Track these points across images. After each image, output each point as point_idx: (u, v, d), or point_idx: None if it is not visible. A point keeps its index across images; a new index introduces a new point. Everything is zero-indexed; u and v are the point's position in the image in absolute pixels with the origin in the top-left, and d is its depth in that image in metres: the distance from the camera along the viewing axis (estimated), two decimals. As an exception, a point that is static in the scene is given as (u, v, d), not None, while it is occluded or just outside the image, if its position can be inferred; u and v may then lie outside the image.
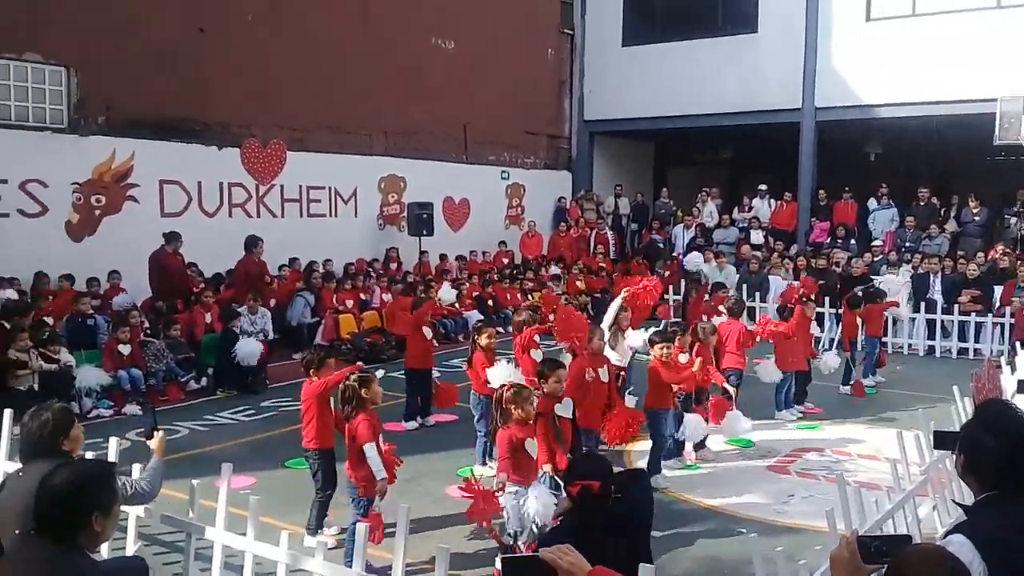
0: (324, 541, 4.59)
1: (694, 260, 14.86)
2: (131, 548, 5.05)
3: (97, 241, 12.48)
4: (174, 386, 10.46)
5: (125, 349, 9.97)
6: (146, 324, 10.93)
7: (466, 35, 18.17)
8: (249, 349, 10.82)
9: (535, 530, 5.44)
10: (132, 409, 9.69)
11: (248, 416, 9.63)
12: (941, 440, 3.64)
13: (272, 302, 12.81)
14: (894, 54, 17.05)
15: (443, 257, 16.97)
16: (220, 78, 13.79)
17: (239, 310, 11.57)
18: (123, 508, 3.86)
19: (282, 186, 14.99)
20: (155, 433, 4.55)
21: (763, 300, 14.53)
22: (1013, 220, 16.79)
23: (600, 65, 21.04)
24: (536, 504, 5.06)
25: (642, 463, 7.63)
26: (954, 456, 2.92)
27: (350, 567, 4.31)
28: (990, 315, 12.99)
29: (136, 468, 4.67)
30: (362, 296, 14.18)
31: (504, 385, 5.78)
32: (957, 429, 5.75)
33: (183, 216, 13.45)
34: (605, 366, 7.21)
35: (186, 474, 5.94)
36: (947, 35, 16.48)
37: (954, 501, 3.22)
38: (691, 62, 19.43)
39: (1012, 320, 12.36)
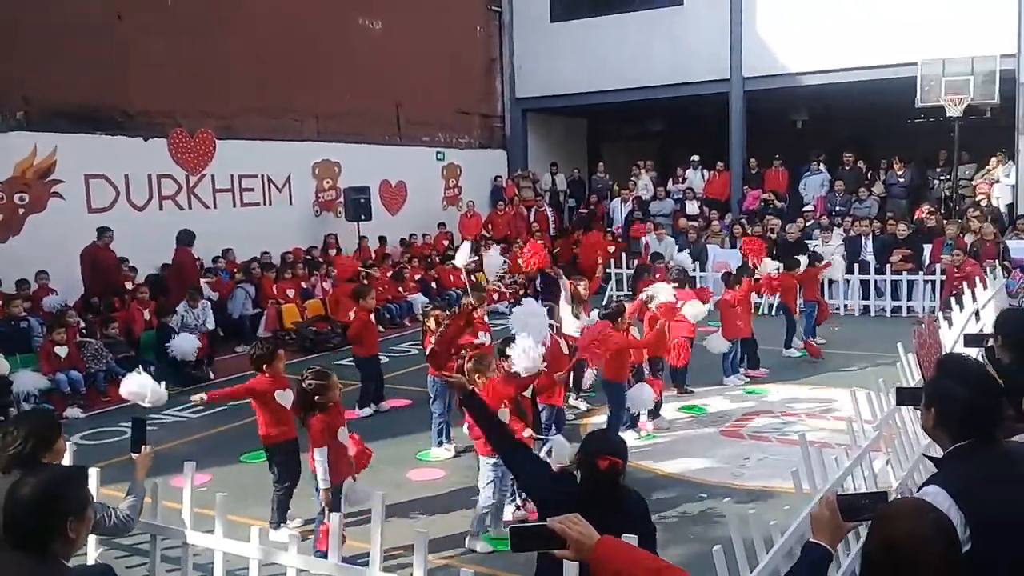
0: (294, 535, 4.52)
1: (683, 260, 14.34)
2: (92, 555, 4.91)
3: (23, 241, 11.99)
4: (115, 386, 10.14)
5: (62, 351, 9.66)
6: (82, 324, 10.59)
7: (393, 15, 17.91)
8: (184, 345, 10.60)
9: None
10: (74, 412, 9.42)
11: (196, 413, 9.42)
12: (903, 396, 3.75)
13: (215, 295, 12.57)
14: (817, 22, 17.38)
15: (382, 240, 16.77)
16: (142, 67, 13.32)
17: (177, 307, 11.34)
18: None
19: (213, 176, 14.61)
20: (142, 448, 4.28)
21: (703, 269, 14.75)
22: (937, 181, 17.35)
23: (529, 41, 20.99)
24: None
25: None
26: (918, 411, 3.01)
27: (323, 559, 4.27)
28: (921, 273, 13.42)
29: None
30: (303, 285, 13.97)
31: (464, 356, 5.80)
32: (906, 385, 5.97)
33: (111, 211, 13.03)
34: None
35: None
36: (868, 1, 16.86)
37: (924, 454, 3.32)
38: (620, 36, 19.51)
39: (943, 278, 12.80)
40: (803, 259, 11.31)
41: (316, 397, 5.32)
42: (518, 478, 4.05)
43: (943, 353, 6.72)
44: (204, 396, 6.26)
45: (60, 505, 2.78)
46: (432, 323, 7.96)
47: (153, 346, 10.94)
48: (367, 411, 9.02)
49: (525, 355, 5.52)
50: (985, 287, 9.12)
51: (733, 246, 15.30)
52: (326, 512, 5.08)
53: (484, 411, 3.90)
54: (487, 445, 5.49)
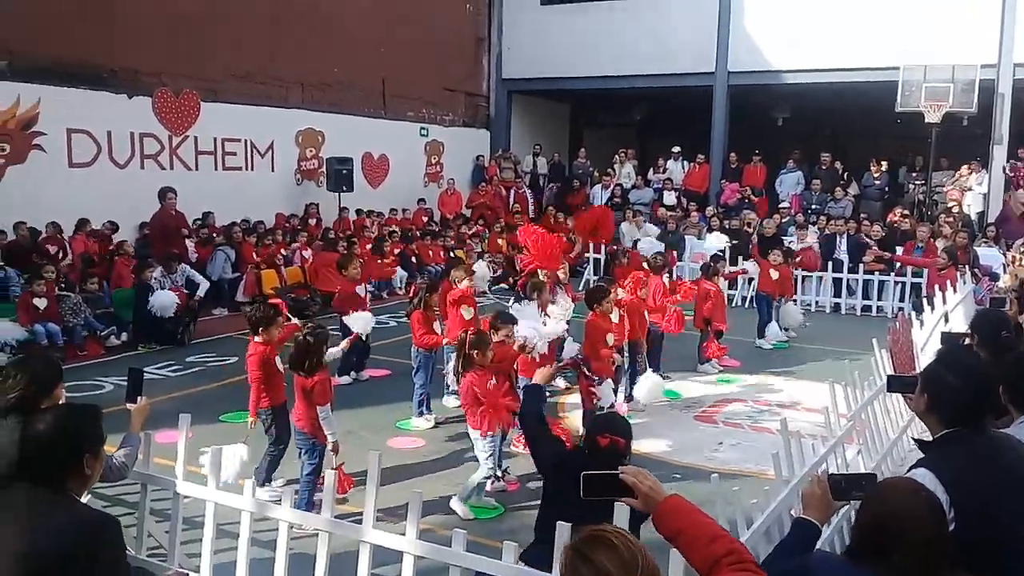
0: (286, 490, 4.59)
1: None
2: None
3: (1, 191, 11.87)
4: (93, 341, 10.15)
5: (41, 303, 9.60)
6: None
7: (384, -13, 17.87)
8: (164, 300, 10.58)
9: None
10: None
11: (175, 371, 9.43)
12: (892, 383, 3.90)
13: (194, 257, 12.53)
14: (804, 21, 17.59)
15: (358, 212, 16.69)
16: (131, 24, 13.19)
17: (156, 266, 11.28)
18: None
19: (196, 138, 14.51)
20: (138, 399, 4.25)
21: (679, 259, 14.94)
22: (911, 186, 17.67)
23: (518, 22, 20.99)
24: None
25: (576, 414, 7.88)
26: (911, 398, 3.16)
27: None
28: (892, 274, 13.71)
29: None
30: (282, 252, 13.95)
31: (467, 331, 5.91)
32: (881, 379, 6.16)
33: (92, 166, 12.95)
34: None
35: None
36: (855, 3, 17.09)
37: (913, 438, 3.47)
38: (609, 23, 19.57)
39: (914, 279, 13.10)
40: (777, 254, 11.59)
41: (318, 354, 5.42)
42: (534, 445, 4.29)
43: (915, 351, 6.97)
44: (250, 421, 6.04)
45: (77, 441, 2.81)
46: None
47: (130, 303, 10.88)
48: (346, 379, 9.07)
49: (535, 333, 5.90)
50: (955, 291, 9.37)
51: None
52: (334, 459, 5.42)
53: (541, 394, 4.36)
54: (473, 419, 5.68)
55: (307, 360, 5.48)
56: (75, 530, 2.64)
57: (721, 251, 13.75)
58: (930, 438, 2.97)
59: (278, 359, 6.04)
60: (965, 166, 17.27)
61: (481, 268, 9.77)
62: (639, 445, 7.27)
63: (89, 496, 5.03)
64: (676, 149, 20.04)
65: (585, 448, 3.93)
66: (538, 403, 4.53)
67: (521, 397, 4.65)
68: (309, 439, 5.61)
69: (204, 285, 11.61)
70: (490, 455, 5.75)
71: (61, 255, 11.61)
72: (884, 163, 17.83)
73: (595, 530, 1.95)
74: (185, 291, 11.30)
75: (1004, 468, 2.75)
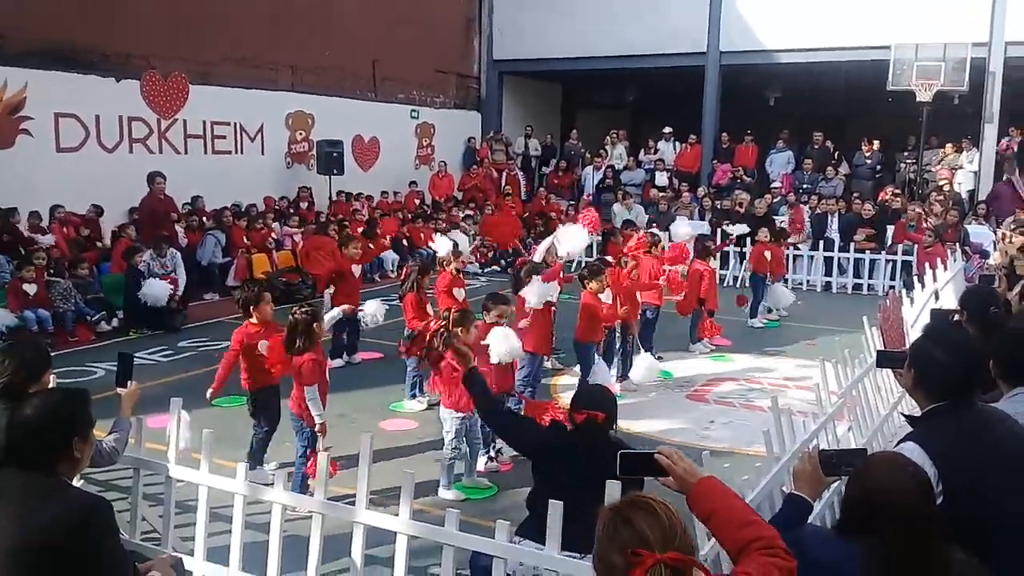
0: (279, 473, 4.60)
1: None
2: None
3: (-11, 176, 11.80)
4: (83, 327, 10.12)
5: (31, 288, 9.56)
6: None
7: (374, -31, 17.74)
8: (157, 291, 10.53)
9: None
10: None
11: (167, 356, 9.42)
12: (883, 359, 3.92)
13: (184, 242, 12.47)
14: (795, 1, 17.53)
15: (347, 196, 16.52)
16: (120, 7, 13.07)
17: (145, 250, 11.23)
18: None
19: (185, 121, 14.39)
20: (129, 384, 4.22)
21: (671, 240, 14.90)
22: (903, 164, 17.68)
23: (509, 4, 20.86)
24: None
25: (569, 394, 7.88)
26: (901, 372, 3.17)
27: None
28: (883, 253, 13.75)
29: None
30: (273, 236, 13.90)
31: (449, 309, 5.91)
32: (871, 356, 6.19)
33: (80, 151, 12.83)
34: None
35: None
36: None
37: (902, 414, 3.49)
38: (600, 4, 19.46)
39: (904, 257, 13.14)
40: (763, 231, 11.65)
41: (308, 331, 5.42)
42: (508, 437, 4.35)
43: (905, 328, 6.99)
44: (208, 393, 6.18)
45: (66, 425, 2.82)
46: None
47: (121, 288, 10.83)
48: (339, 362, 9.08)
49: (506, 340, 5.77)
50: (946, 269, 9.42)
51: (702, 218, 15.51)
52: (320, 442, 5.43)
53: (483, 384, 4.24)
54: (450, 399, 5.67)
55: (295, 339, 5.47)
56: (68, 513, 2.64)
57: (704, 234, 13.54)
58: (919, 413, 2.98)
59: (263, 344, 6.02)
60: (949, 144, 17.34)
61: (459, 237, 9.70)
62: (632, 424, 7.34)
63: (82, 481, 5.07)
64: (667, 130, 19.98)
65: (567, 425, 3.97)
66: (485, 392, 4.27)
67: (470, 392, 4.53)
68: (297, 420, 5.62)
69: (182, 281, 11.39)
70: (454, 435, 5.77)
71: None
72: (876, 142, 17.82)
73: (639, 495, 1.95)
74: (175, 276, 11.24)
75: (992, 442, 2.77)
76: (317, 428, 5.54)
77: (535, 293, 6.99)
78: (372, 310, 8.16)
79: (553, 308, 7.50)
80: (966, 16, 15.86)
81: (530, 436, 4.18)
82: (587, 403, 3.92)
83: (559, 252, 8.16)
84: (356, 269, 9.35)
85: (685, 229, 11.14)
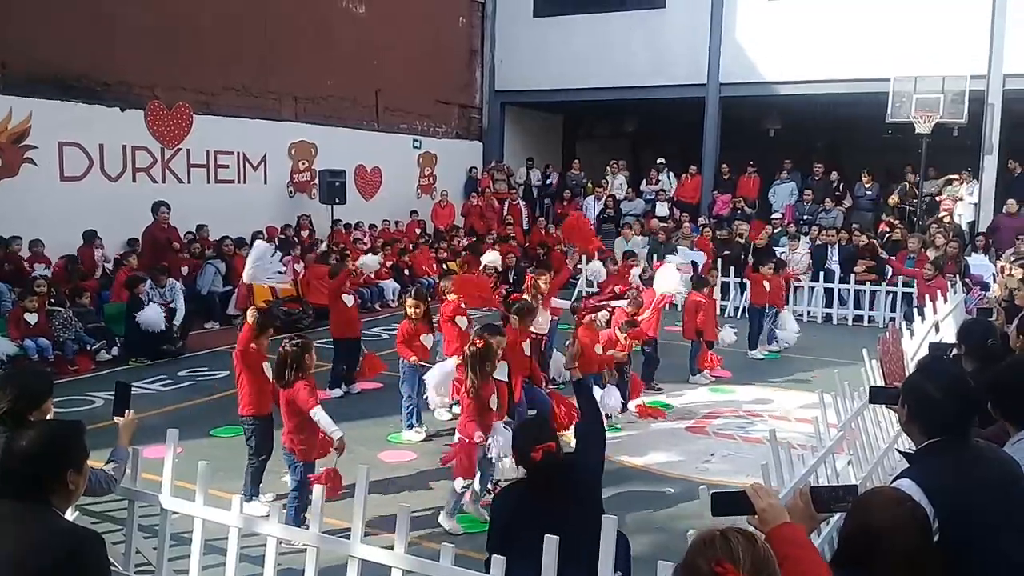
0: (274, 505, 4.58)
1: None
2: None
3: (-7, 205, 11.86)
4: (84, 356, 10.12)
5: (32, 317, 9.58)
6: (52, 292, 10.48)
7: (377, 0, 17.90)
8: (152, 316, 10.54)
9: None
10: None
11: (166, 386, 9.41)
12: (876, 395, 3.91)
13: (184, 270, 12.49)
14: (795, 33, 17.69)
15: (347, 226, 16.52)
16: (123, 37, 13.19)
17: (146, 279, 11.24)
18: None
19: (188, 150, 14.49)
20: (126, 413, 4.24)
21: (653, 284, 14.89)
22: (898, 195, 17.75)
23: (511, 35, 21.07)
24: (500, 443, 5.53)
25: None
26: (894, 409, 3.16)
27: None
28: (883, 284, 13.75)
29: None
30: (275, 265, 13.89)
31: (473, 344, 5.82)
32: (868, 388, 6.17)
33: (84, 180, 12.91)
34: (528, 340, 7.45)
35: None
36: (845, 15, 17.19)
37: (898, 450, 3.48)
38: (601, 35, 19.66)
39: (905, 289, 13.14)
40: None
41: (298, 362, 5.41)
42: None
43: (905, 361, 6.98)
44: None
45: (60, 456, 2.81)
46: (410, 309, 8.01)
47: (123, 318, 10.84)
48: (338, 392, 9.07)
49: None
50: (946, 301, 9.41)
51: (703, 249, 15.52)
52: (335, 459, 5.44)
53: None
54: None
55: (286, 371, 5.47)
56: (57, 545, 2.63)
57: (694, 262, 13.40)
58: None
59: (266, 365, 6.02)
60: (942, 177, 17.47)
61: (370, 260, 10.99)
62: (632, 458, 7.31)
63: (77, 512, 5.04)
64: (661, 161, 20.08)
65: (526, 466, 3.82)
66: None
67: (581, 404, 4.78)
68: (289, 455, 5.59)
69: (180, 312, 11.36)
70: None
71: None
72: (871, 177, 17.95)
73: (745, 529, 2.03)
74: (172, 306, 11.23)
75: (986, 480, 2.75)
76: (335, 446, 5.42)
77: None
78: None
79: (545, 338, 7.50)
80: (965, 49, 15.98)
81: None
82: (539, 437, 3.79)
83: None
84: (348, 299, 9.32)
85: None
